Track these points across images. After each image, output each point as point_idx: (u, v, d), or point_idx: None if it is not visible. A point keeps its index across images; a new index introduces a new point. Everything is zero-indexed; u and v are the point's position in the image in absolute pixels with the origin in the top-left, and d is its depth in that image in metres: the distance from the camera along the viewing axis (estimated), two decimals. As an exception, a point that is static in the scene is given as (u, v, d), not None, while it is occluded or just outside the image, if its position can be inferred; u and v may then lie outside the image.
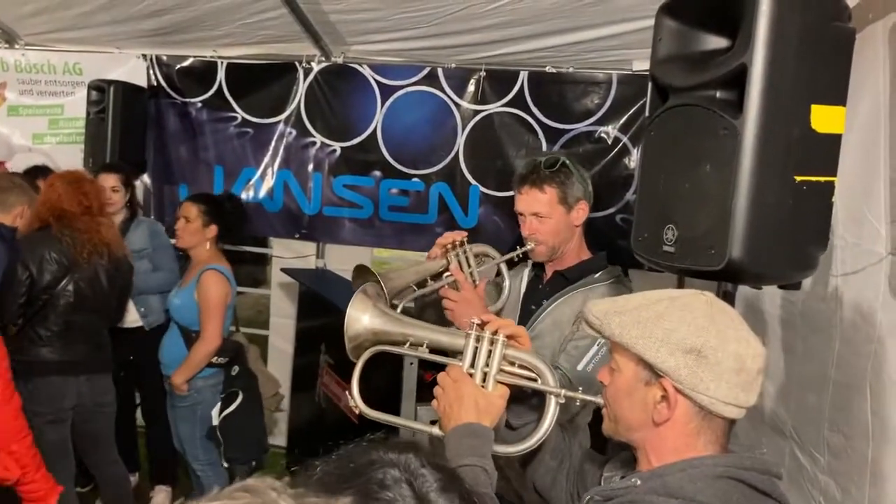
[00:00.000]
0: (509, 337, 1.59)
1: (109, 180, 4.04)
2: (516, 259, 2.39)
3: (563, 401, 1.51)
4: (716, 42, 1.71)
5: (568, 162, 2.27)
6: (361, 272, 2.15)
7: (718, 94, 1.62)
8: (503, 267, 2.41)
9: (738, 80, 1.55)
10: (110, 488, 3.75)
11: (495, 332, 1.56)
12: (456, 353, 1.62)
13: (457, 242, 2.32)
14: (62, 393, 3.39)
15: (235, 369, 3.75)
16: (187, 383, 3.64)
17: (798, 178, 1.56)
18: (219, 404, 3.68)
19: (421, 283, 2.27)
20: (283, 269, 4.62)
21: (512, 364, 1.57)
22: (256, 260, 7.91)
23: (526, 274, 2.47)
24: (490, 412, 1.52)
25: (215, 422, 3.66)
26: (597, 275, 2.32)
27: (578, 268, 2.33)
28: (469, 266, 2.31)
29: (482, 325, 1.59)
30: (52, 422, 3.30)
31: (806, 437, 2.35)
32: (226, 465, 3.70)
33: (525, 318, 2.36)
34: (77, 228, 3.40)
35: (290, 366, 4.80)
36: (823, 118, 1.56)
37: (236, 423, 3.65)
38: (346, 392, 1.76)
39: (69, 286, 3.39)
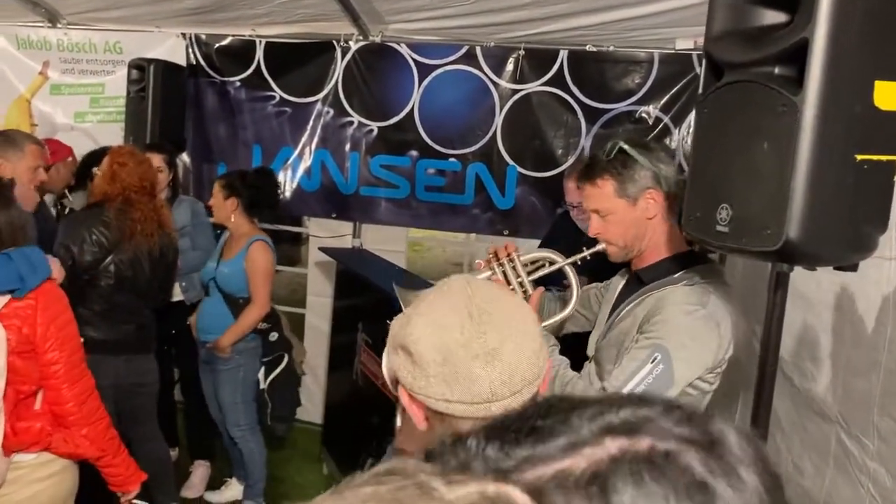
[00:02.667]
0: None
1: (155, 160, 4.05)
2: (580, 262, 2.11)
3: None
4: (773, 16, 1.66)
5: (627, 147, 1.96)
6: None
7: (777, 70, 1.57)
8: (569, 270, 2.11)
9: (798, 56, 1.51)
10: (151, 465, 3.80)
11: None
12: None
13: (500, 252, 2.06)
14: (99, 372, 3.40)
15: (274, 335, 3.93)
16: (231, 347, 3.78)
17: (859, 157, 1.51)
18: (263, 368, 3.89)
19: None
20: (321, 248, 4.63)
21: None
22: (292, 239, 7.98)
23: (623, 281, 2.20)
24: None
25: (262, 385, 3.87)
26: (676, 275, 2.00)
27: (656, 267, 2.04)
28: (518, 276, 2.06)
29: None
30: None
31: (854, 423, 2.30)
32: (269, 423, 3.92)
33: (611, 316, 2.14)
34: (137, 208, 3.40)
35: (326, 344, 4.84)
36: (887, 94, 1.51)
37: (283, 385, 3.90)
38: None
39: (110, 267, 3.39)
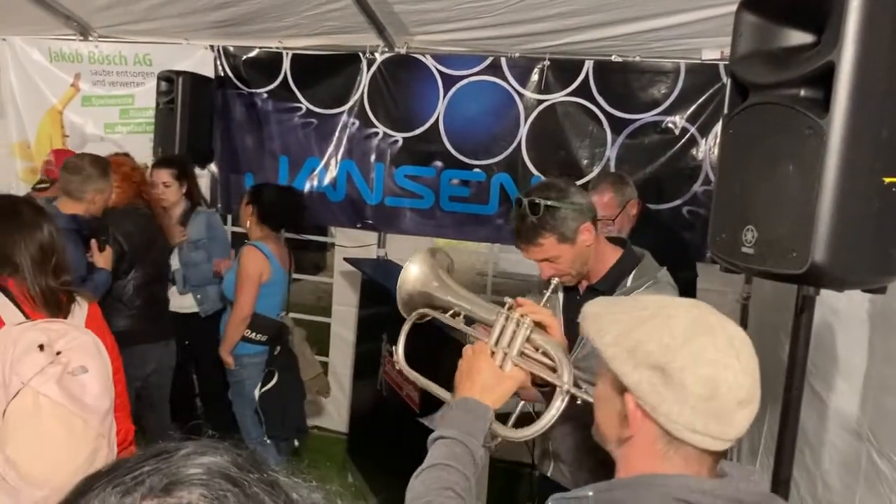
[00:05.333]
0: (538, 324, 1.60)
1: (162, 175, 4.17)
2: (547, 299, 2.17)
3: (567, 396, 1.51)
4: (800, 38, 1.65)
5: (548, 202, 2.10)
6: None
7: (803, 93, 1.57)
8: None
9: (824, 78, 1.50)
10: None
11: (523, 316, 1.59)
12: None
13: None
14: (147, 359, 3.62)
15: (277, 349, 3.90)
16: (235, 359, 3.82)
17: (886, 180, 1.50)
18: (259, 382, 3.86)
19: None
20: (345, 259, 4.66)
21: (536, 350, 1.58)
22: (318, 248, 8.04)
23: (562, 292, 2.36)
24: (495, 392, 1.53)
25: (255, 398, 3.84)
26: (629, 281, 2.20)
27: (608, 276, 2.24)
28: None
29: (513, 307, 1.62)
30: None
31: (884, 441, 2.27)
32: (268, 441, 3.85)
33: (571, 331, 2.27)
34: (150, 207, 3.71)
35: (351, 353, 4.86)
36: (915, 117, 1.50)
37: (274, 402, 3.82)
38: (392, 346, 1.84)
39: (147, 259, 3.65)
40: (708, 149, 3.98)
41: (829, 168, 1.49)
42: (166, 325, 3.86)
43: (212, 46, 4.80)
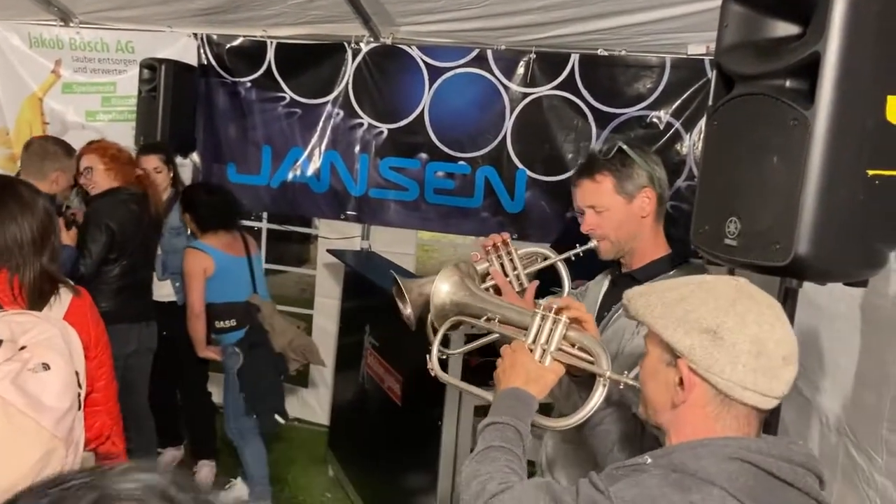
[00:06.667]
0: (574, 320, 1.63)
1: (151, 161, 4.14)
2: (573, 258, 2.09)
3: (607, 383, 1.55)
4: (786, 29, 1.65)
5: (626, 147, 2.01)
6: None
7: (788, 84, 1.56)
8: (561, 267, 2.11)
9: (809, 69, 1.49)
10: (143, 435, 3.85)
11: (559, 313, 1.62)
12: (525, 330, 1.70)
13: (498, 243, 2.06)
14: (128, 339, 3.63)
15: (247, 328, 3.98)
16: (216, 352, 3.96)
17: (871, 173, 1.50)
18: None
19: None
20: (328, 251, 4.64)
21: (572, 346, 1.62)
22: (301, 239, 8.00)
23: (609, 280, 2.22)
24: (539, 383, 1.59)
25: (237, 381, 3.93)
26: (671, 273, 2.01)
27: (650, 267, 2.05)
28: (515, 269, 2.06)
29: (549, 306, 1.65)
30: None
31: (862, 436, 2.28)
32: (254, 416, 3.93)
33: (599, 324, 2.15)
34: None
35: (333, 345, 4.83)
36: (899, 110, 1.50)
37: (246, 380, 3.90)
38: (427, 354, 1.86)
39: (135, 244, 3.67)
40: (692, 144, 3.99)
41: (814, 160, 1.48)
42: (148, 306, 3.88)
43: (195, 34, 4.75)
